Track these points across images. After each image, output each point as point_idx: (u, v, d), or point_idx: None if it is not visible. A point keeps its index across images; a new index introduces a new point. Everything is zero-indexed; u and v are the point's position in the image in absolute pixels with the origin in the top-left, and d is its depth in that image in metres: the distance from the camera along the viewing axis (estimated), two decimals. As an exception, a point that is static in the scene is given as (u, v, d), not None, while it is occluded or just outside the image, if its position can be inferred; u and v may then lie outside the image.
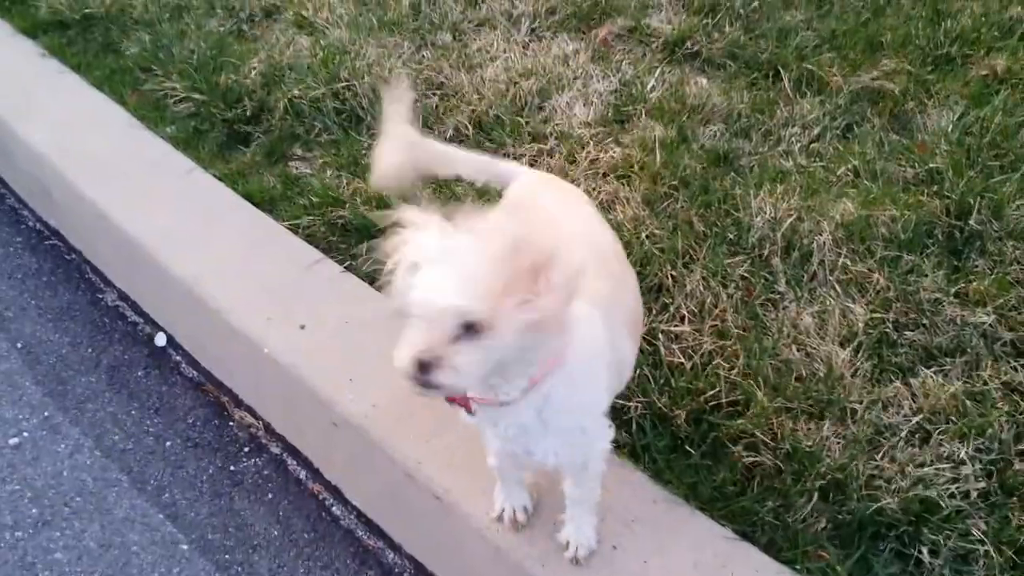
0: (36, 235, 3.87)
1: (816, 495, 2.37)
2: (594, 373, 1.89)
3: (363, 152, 3.63)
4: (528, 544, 2.28)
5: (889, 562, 2.27)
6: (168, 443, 3.00)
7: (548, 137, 3.59)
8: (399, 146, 2.28)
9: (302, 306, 2.97)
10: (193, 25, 4.48)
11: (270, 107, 3.92)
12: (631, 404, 2.57)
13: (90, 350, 3.33)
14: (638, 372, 2.64)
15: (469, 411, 1.84)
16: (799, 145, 3.49)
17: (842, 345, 2.73)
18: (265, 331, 2.89)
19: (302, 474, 2.89)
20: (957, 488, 2.38)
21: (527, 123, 3.67)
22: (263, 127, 3.89)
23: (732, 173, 3.38)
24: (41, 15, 4.71)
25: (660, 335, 2.79)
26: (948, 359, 2.70)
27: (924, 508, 2.34)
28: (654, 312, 2.88)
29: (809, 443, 2.47)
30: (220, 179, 3.58)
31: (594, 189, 3.28)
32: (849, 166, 3.33)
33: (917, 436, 2.52)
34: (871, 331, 2.77)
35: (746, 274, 2.96)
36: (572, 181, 3.22)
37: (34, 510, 2.79)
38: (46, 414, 3.09)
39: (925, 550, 2.27)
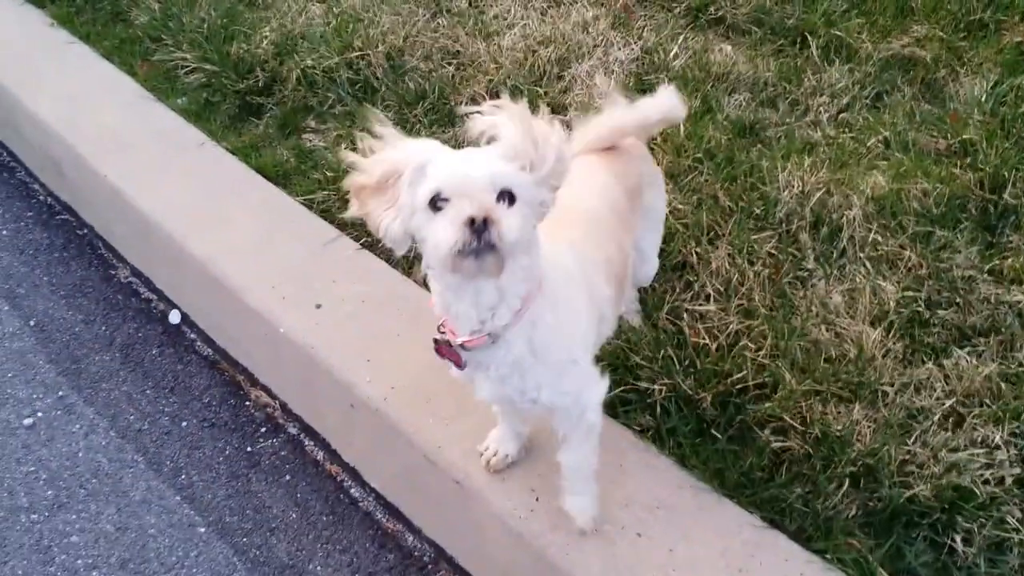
0: (47, 210, 3.82)
1: (847, 481, 2.30)
2: (571, 297, 1.96)
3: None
4: (551, 531, 2.24)
5: (922, 551, 2.21)
6: (184, 423, 2.96)
7: (568, 108, 3.49)
8: None
9: (318, 285, 2.91)
10: (203, -7, 4.38)
11: (282, 77, 3.83)
12: (655, 387, 2.50)
13: (104, 328, 3.29)
14: (662, 353, 2.57)
15: (459, 365, 1.93)
16: (827, 115, 3.39)
17: (873, 325, 2.65)
18: (282, 310, 2.84)
19: (320, 455, 2.86)
20: (991, 474, 2.31)
21: (546, 93, 3.57)
22: (275, 98, 3.81)
23: (758, 144, 3.29)
24: (49, -17, 4.62)
25: (684, 314, 2.72)
26: (982, 339, 2.62)
27: (958, 495, 2.27)
28: (677, 290, 2.82)
29: (839, 427, 2.40)
30: (233, 152, 3.51)
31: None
32: (879, 137, 3.23)
33: (950, 420, 2.45)
34: (903, 310, 2.69)
35: (773, 251, 2.88)
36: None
37: (49, 492, 2.77)
38: (60, 393, 3.05)
39: (959, 539, 2.21)
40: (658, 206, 2.57)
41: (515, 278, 1.76)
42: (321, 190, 3.30)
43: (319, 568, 2.57)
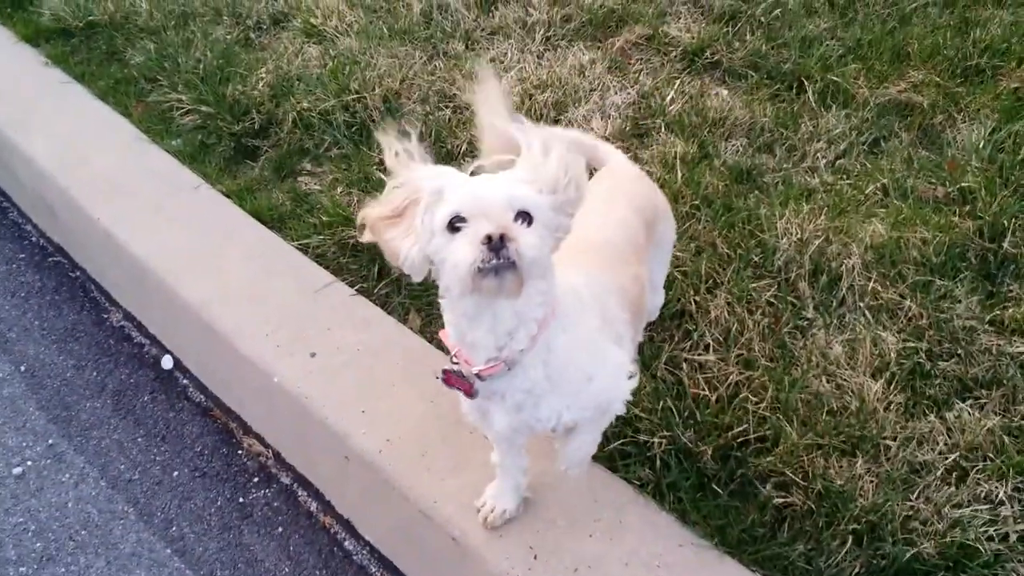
0: (40, 251, 3.78)
1: (850, 539, 2.27)
2: (584, 317, 1.95)
3: (374, 167, 3.54)
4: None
5: (928, 611, 2.17)
6: (175, 472, 2.91)
7: (565, 153, 3.47)
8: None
9: (313, 332, 2.88)
10: (199, 33, 4.38)
11: (278, 120, 3.83)
12: (655, 439, 2.47)
13: (95, 373, 3.24)
14: (661, 404, 2.54)
15: (469, 394, 1.90)
16: (825, 161, 3.38)
17: (874, 376, 2.63)
18: (275, 358, 2.80)
19: (313, 506, 2.81)
20: (995, 531, 2.28)
21: (543, 137, 3.56)
22: (271, 140, 3.80)
23: (756, 191, 3.28)
24: (44, 23, 4.62)
25: (684, 364, 2.69)
26: (984, 391, 2.60)
27: (962, 553, 2.24)
28: (676, 339, 2.79)
29: (841, 482, 2.37)
30: (228, 195, 3.49)
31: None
32: (878, 184, 3.22)
33: (953, 474, 2.42)
34: (904, 361, 2.66)
35: (772, 299, 2.86)
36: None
37: (38, 544, 2.71)
38: (51, 442, 3.00)
39: (964, 598, 2.17)
40: (669, 237, 2.57)
41: (532, 302, 1.77)
42: (316, 234, 3.27)
43: (312, 625, 2.52)
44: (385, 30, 4.25)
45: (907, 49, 3.83)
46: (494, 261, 1.57)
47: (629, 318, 2.11)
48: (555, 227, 1.72)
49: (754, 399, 2.57)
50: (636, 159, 3.40)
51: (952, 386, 2.62)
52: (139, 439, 3.02)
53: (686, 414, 2.55)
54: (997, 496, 2.34)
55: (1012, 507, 2.33)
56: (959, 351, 2.69)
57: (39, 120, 3.93)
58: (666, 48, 4.00)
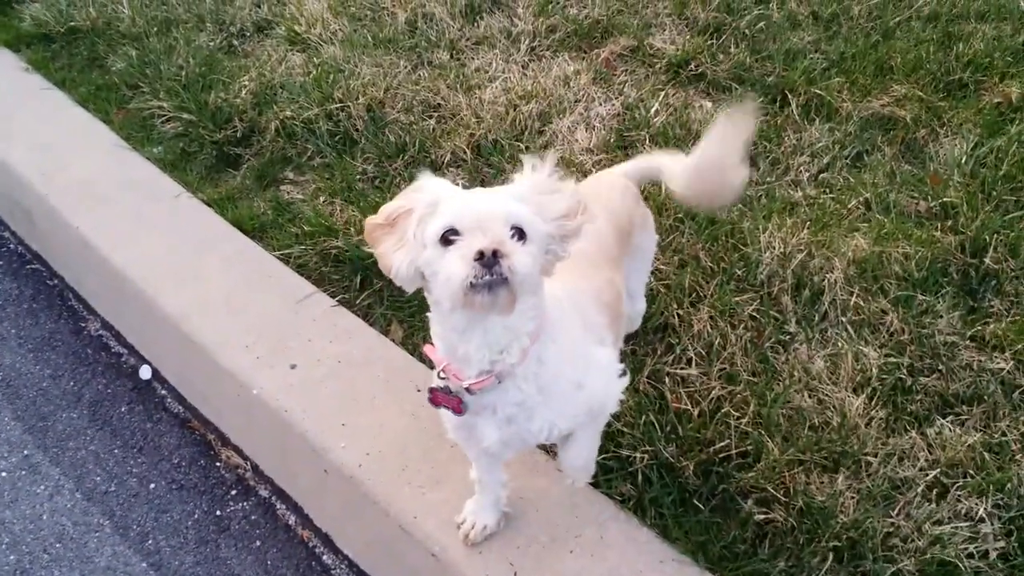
0: (17, 259, 3.73)
1: (831, 555, 2.26)
2: (567, 326, 1.94)
3: (357, 177, 3.52)
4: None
5: (908, 630, 2.16)
6: (152, 485, 2.87)
7: (549, 164, 3.46)
8: None
9: (293, 343, 2.86)
10: (182, 40, 4.35)
11: (261, 128, 3.80)
12: (637, 454, 2.46)
13: (72, 383, 3.20)
14: (643, 419, 2.53)
15: (458, 411, 1.88)
16: (808, 174, 3.38)
17: (855, 392, 2.62)
18: (255, 370, 2.77)
19: (291, 519, 2.77)
20: (975, 548, 2.28)
21: (527, 148, 3.55)
22: (254, 149, 3.77)
23: (739, 204, 3.27)
24: (25, 28, 4.58)
25: (666, 378, 2.68)
26: (965, 407, 2.60)
27: (943, 570, 2.24)
28: (659, 353, 2.78)
29: (823, 498, 2.36)
30: (209, 204, 3.46)
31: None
32: (860, 198, 3.23)
33: (934, 491, 2.41)
34: (885, 376, 2.66)
35: (755, 313, 2.85)
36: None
37: (12, 557, 2.67)
38: (26, 452, 2.96)
39: (945, 616, 2.17)
40: (647, 246, 2.56)
41: (524, 316, 1.76)
42: (298, 244, 3.25)
43: (289, 641, 2.49)
44: (370, 38, 4.24)
45: (890, 63, 3.84)
46: (487, 277, 1.56)
47: (607, 322, 2.10)
48: (547, 250, 1.71)
49: (736, 414, 2.56)
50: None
51: (933, 402, 2.62)
52: (116, 450, 2.98)
53: (668, 429, 2.54)
54: (977, 513, 2.34)
55: (992, 524, 2.33)
56: (940, 367, 2.69)
57: (18, 126, 3.89)
58: (651, 60, 4.00)
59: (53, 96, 4.11)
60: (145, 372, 3.22)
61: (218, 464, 2.94)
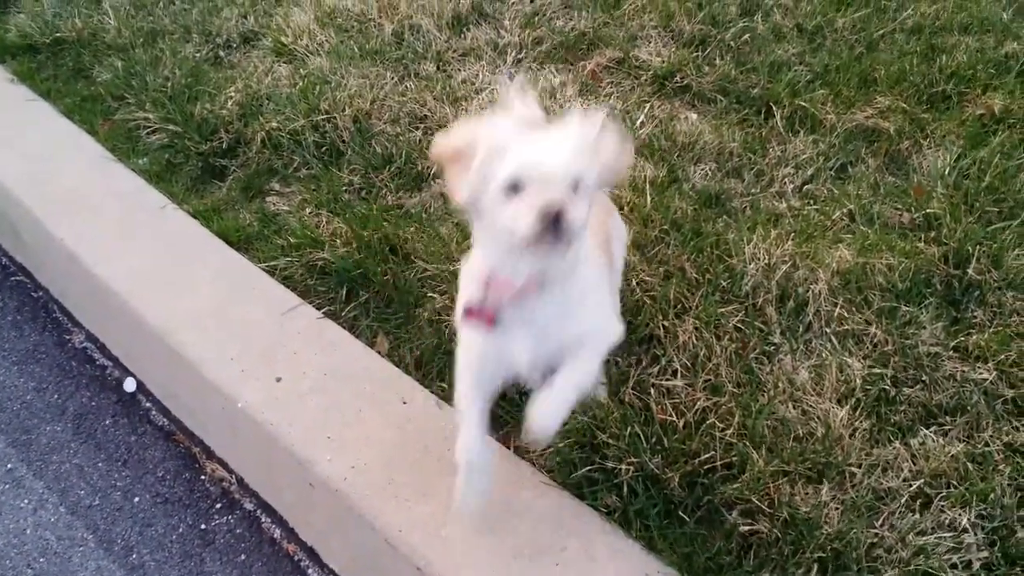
0: (1, 271, 3.72)
1: (815, 567, 2.27)
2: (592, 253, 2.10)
3: (343, 188, 3.52)
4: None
5: (892, 640, 2.17)
6: (136, 499, 2.86)
7: (535, 175, 3.47)
8: None
9: (279, 356, 2.85)
10: (168, 51, 4.34)
11: (247, 139, 3.80)
12: (623, 466, 2.46)
13: (56, 396, 3.19)
14: (629, 430, 2.54)
15: (491, 324, 1.98)
16: (792, 186, 3.40)
17: (840, 403, 2.63)
18: (240, 383, 2.77)
19: (277, 533, 2.76)
20: (959, 558, 2.29)
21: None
22: (239, 160, 3.77)
23: (724, 215, 3.29)
24: (10, 39, 4.57)
25: (652, 389, 2.68)
26: (948, 418, 2.61)
27: (927, 581, 2.25)
28: (644, 364, 2.78)
29: (807, 509, 2.36)
30: (195, 216, 3.45)
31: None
32: (844, 210, 3.25)
33: (918, 502, 2.42)
34: (869, 387, 2.67)
35: (740, 324, 2.86)
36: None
37: (-6, 572, 2.65)
38: (9, 466, 2.94)
39: (928, 627, 2.17)
40: (620, 254, 2.62)
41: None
42: (284, 256, 3.24)
43: (274, 656, 2.48)
44: (356, 50, 4.24)
45: (874, 75, 3.87)
46: (549, 235, 1.71)
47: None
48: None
49: (721, 425, 2.56)
50: (606, 182, 3.41)
51: (917, 412, 2.63)
52: (100, 464, 2.96)
53: (653, 440, 2.54)
54: (960, 524, 2.35)
55: (975, 535, 2.34)
56: (924, 377, 2.70)
57: (3, 138, 3.87)
58: (636, 72, 4.02)
59: (39, 107, 4.10)
60: (130, 385, 3.20)
61: (203, 477, 2.93)
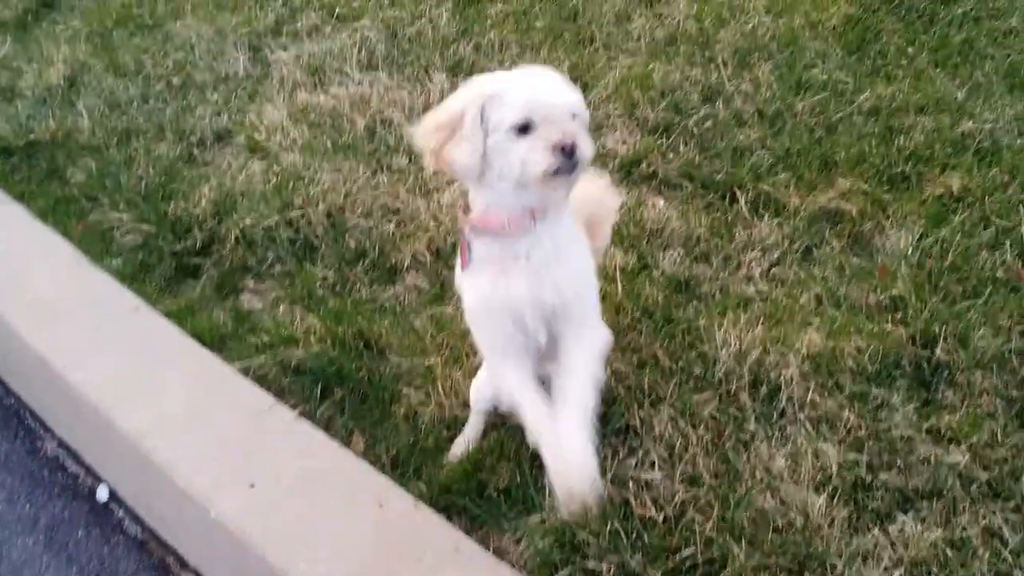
0: (-28, 377, 3.68)
1: (800, 667, 2.25)
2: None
3: (317, 284, 3.54)
4: None
5: None
6: (109, 613, 2.80)
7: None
8: None
9: (253, 460, 2.83)
10: (142, 150, 4.38)
11: (221, 237, 3.82)
12: (603, 565, 2.44)
13: (28, 507, 3.13)
14: (608, 527, 2.52)
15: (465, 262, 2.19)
16: (759, 270, 3.45)
17: (817, 491, 2.64)
18: (213, 490, 2.73)
19: (254, 643, 2.70)
20: (945, 651, 2.28)
21: (486, 251, 3.59)
22: (213, 258, 3.78)
23: (694, 300, 3.33)
24: (-16, 142, 4.60)
25: (630, 482, 2.68)
26: (925, 503, 2.62)
27: (913, 677, 2.23)
28: (621, 456, 2.78)
29: (790, 606, 2.35)
30: (168, 316, 3.44)
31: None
32: (812, 292, 3.29)
33: (899, 591, 2.42)
34: (845, 473, 2.68)
35: (715, 413, 2.88)
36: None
37: None
38: (-23, 583, 2.88)
39: None
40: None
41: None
42: (258, 354, 3.24)
43: None
44: (329, 145, 4.30)
45: (835, 157, 3.95)
46: (566, 168, 1.90)
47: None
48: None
49: (700, 518, 2.56)
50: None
51: (894, 498, 2.64)
52: (71, 577, 2.90)
53: (634, 536, 2.53)
54: (944, 613, 2.35)
55: (959, 624, 2.33)
56: (899, 462, 2.71)
57: (-26, 242, 3.88)
58: (604, 159, 4.09)
59: (12, 210, 4.11)
60: (103, 493, 3.15)
61: (177, 587, 2.87)
